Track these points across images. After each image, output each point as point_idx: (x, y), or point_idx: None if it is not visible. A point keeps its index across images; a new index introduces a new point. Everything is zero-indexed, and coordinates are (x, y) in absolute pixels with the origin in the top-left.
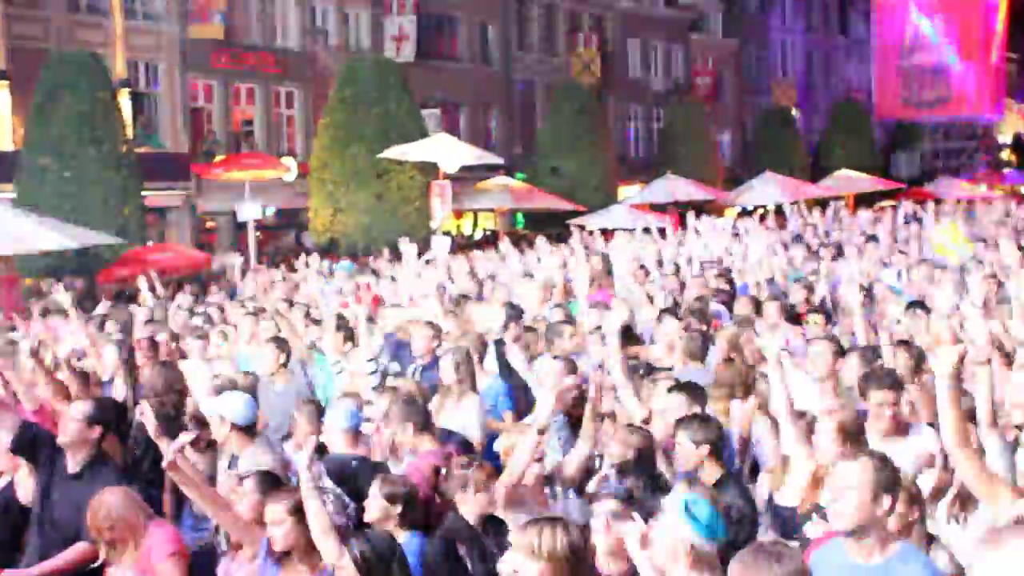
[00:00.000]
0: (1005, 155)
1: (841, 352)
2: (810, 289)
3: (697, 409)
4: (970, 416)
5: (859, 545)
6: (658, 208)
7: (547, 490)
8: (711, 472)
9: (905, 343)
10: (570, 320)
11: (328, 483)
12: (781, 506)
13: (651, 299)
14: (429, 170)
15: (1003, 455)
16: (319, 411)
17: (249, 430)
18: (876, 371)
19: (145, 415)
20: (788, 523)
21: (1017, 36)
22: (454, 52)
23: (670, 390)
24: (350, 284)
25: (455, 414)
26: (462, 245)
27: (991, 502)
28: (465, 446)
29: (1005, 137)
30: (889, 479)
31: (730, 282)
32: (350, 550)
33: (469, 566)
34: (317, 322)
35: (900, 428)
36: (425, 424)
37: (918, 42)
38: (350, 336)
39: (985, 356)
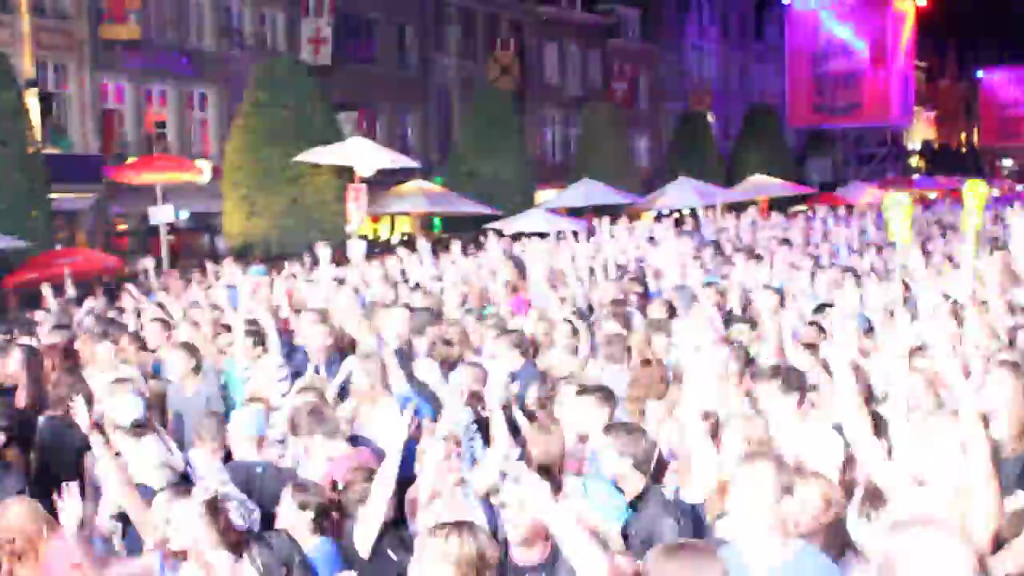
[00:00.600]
0: (914, 161)
1: (746, 357)
2: (722, 294)
3: (607, 412)
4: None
5: (760, 546)
6: (575, 212)
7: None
8: (633, 484)
9: (810, 345)
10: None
11: (232, 489)
12: (687, 503)
13: (563, 302)
14: (345, 174)
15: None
16: (224, 418)
17: (137, 431)
18: (767, 367)
19: (78, 413)
20: (695, 520)
21: (925, 45)
22: (371, 55)
23: (579, 393)
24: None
25: (371, 421)
26: (378, 249)
27: (891, 495)
28: (380, 454)
29: (914, 144)
30: (788, 480)
31: (644, 286)
32: (251, 557)
33: None
34: (227, 327)
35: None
36: (334, 431)
37: (830, 50)
38: (260, 342)
39: (904, 351)
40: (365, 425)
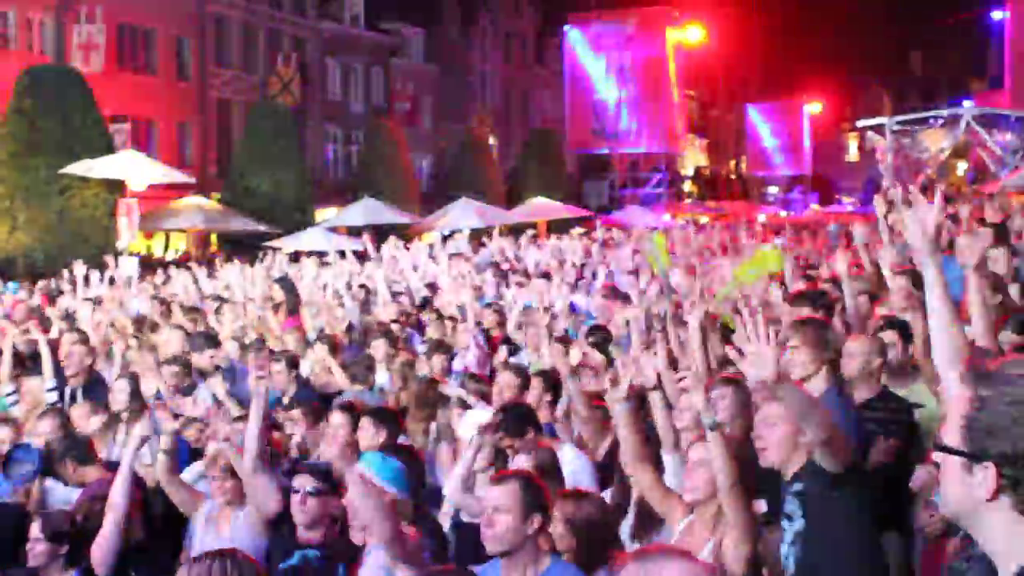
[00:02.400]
0: (687, 186)
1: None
2: (500, 314)
3: (385, 433)
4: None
5: (511, 565)
6: (355, 231)
7: None
8: (408, 507)
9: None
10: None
11: None
12: (466, 523)
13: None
14: (116, 187)
15: (678, 474)
16: None
17: None
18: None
19: None
20: (475, 538)
21: (698, 75)
22: (147, 65)
23: (362, 415)
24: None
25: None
26: (152, 266)
27: (667, 517)
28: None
29: (687, 170)
30: (536, 499)
31: (424, 306)
32: None
33: None
34: None
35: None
36: (87, 456)
37: (607, 77)
38: (20, 362)
39: (652, 382)
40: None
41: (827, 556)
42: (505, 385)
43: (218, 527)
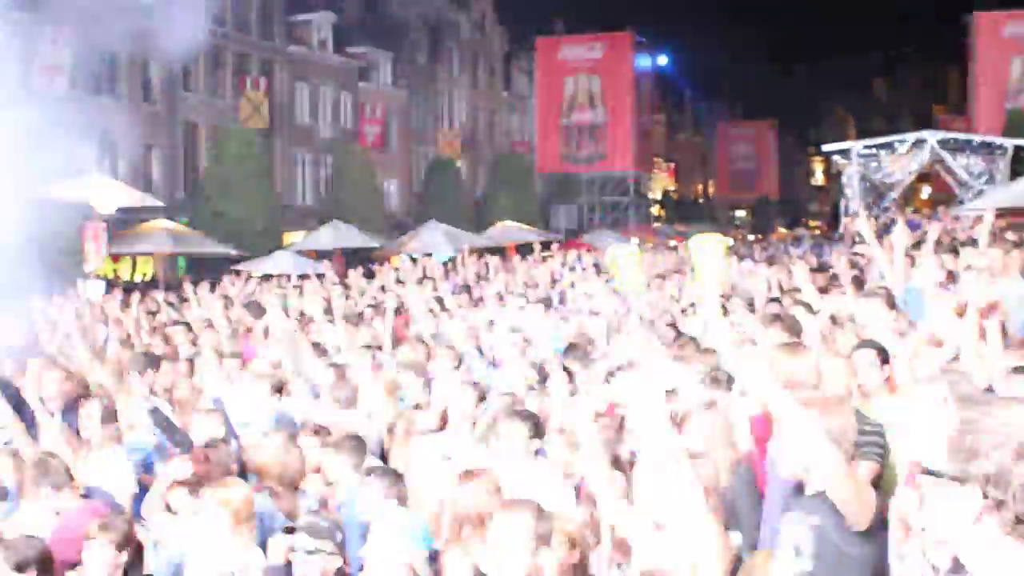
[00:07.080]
0: (655, 210)
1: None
2: (476, 337)
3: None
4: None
5: None
6: (324, 255)
7: None
8: None
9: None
10: None
11: None
12: None
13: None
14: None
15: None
16: None
17: None
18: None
19: None
20: None
21: (666, 100)
22: (114, 88)
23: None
24: None
25: (98, 467)
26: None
27: (632, 541)
28: (114, 504)
29: (655, 194)
30: (547, 529)
31: None
32: None
33: None
34: None
35: None
36: (62, 483)
37: (576, 101)
38: None
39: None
40: (94, 472)
41: None
42: None
43: None
